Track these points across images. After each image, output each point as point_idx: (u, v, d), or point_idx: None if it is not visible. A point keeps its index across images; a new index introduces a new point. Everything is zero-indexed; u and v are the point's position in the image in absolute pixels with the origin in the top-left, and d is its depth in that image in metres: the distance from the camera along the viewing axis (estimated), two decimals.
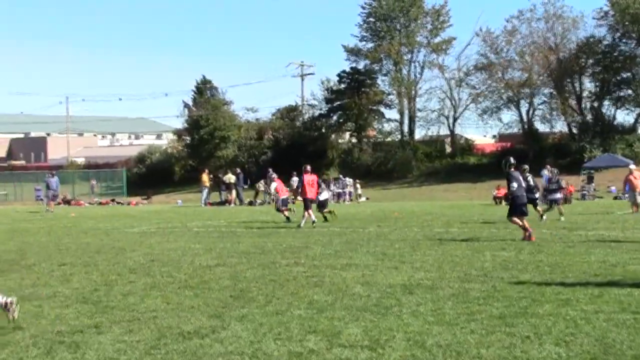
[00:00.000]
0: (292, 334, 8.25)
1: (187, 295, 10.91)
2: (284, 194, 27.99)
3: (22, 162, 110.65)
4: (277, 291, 11.08)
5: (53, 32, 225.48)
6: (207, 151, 64.75)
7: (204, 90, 69.20)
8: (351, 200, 49.04)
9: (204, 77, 70.23)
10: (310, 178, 25.11)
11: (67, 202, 51.09)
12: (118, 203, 52.39)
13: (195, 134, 66.43)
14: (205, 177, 46.86)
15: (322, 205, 27.42)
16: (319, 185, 27.69)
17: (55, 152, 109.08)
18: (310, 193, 24.93)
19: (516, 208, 18.34)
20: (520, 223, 18.22)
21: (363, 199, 49.70)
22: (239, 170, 47.17)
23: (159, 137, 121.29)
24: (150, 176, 66.66)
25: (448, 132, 66.98)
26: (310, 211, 24.48)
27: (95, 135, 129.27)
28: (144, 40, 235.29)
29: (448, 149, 66.21)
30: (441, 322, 8.64)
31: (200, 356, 7.46)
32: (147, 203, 52.78)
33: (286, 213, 27.14)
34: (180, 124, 73.29)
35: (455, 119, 65.88)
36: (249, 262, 14.65)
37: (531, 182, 24.23)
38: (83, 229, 25.52)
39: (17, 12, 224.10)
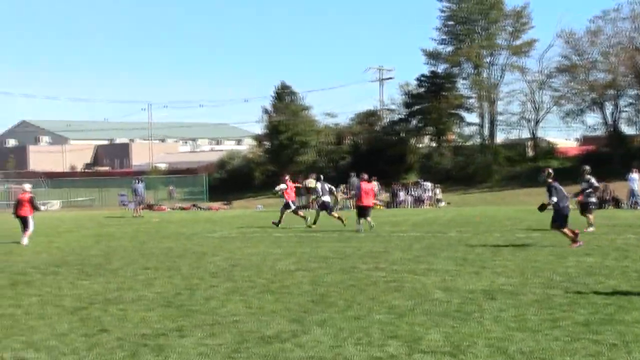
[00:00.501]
0: (373, 339, 8.23)
1: (267, 299, 11.00)
2: (292, 198, 29.57)
3: (107, 168, 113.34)
4: (357, 296, 11.07)
5: (136, 39, 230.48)
6: (286, 156, 65.12)
7: (283, 95, 69.63)
8: (430, 204, 48.67)
9: (283, 82, 70.79)
10: (367, 186, 25.18)
11: (149, 207, 52.05)
12: (199, 208, 53.12)
13: (275, 139, 66.93)
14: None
15: (324, 207, 28.14)
16: (331, 190, 29.04)
17: (139, 158, 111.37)
18: (367, 201, 24.93)
19: (563, 219, 17.73)
20: (570, 233, 17.63)
21: (443, 203, 49.26)
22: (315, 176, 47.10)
23: (239, 142, 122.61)
24: (230, 181, 67.41)
25: (529, 136, 65.84)
26: (360, 219, 24.52)
27: (176, 141, 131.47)
28: (225, 46, 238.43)
29: (529, 153, 65.10)
30: (524, 329, 8.50)
31: None
32: (229, 208, 53.39)
33: (301, 213, 29.01)
34: (260, 129, 73.96)
35: (537, 122, 64.76)
36: (329, 267, 14.69)
37: (594, 183, 23.18)
38: (166, 234, 25.97)
39: (99, 18, 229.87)
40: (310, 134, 66.63)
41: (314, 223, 27.21)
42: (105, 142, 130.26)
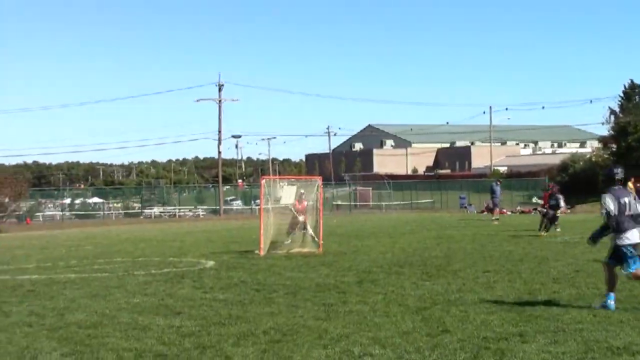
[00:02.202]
0: None
1: (615, 308, 10.45)
2: None
3: (448, 171, 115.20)
4: None
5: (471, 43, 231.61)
6: (635, 159, 61.67)
7: (632, 95, 66.15)
8: None
9: (631, 81, 67.16)
10: None
11: (489, 210, 52.00)
12: (539, 211, 51.99)
13: (622, 141, 63.71)
14: (631, 186, 44.56)
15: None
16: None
17: (479, 161, 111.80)
18: None
19: None
20: None
21: None
22: None
23: (582, 145, 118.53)
24: (573, 185, 65.20)
25: None
26: None
27: (517, 144, 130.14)
28: (568, 47, 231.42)
29: None
30: None
31: None
32: (570, 212, 51.69)
33: None
34: (605, 131, 70.87)
35: None
36: None
37: None
38: (505, 237, 25.78)
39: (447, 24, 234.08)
40: None
41: None
42: (446, 145, 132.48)
